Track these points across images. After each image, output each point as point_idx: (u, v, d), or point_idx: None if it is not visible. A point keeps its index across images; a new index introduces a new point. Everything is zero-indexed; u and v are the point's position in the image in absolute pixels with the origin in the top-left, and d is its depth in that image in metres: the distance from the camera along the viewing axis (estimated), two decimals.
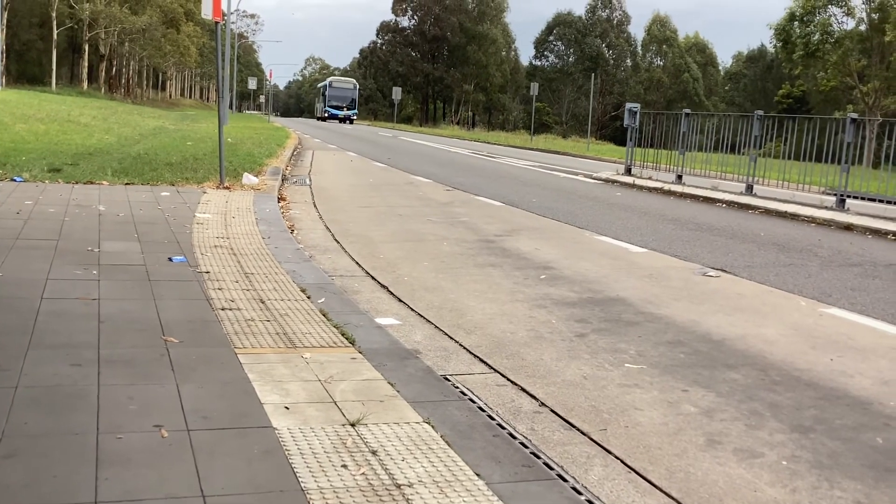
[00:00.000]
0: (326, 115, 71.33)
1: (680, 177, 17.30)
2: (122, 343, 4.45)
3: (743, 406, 4.25)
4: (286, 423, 3.49)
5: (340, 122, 68.11)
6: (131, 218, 8.71)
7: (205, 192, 11.23)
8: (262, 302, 5.54)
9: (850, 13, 39.94)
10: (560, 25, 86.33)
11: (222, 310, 5.25)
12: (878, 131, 19.77)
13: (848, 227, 11.97)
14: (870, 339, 5.79)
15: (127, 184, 11.54)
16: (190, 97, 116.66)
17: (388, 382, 4.10)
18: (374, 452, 3.24)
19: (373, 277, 7.11)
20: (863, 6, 40.09)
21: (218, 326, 4.89)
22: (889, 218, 11.93)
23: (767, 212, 13.56)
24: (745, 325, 5.97)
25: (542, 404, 4.18)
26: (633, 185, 17.37)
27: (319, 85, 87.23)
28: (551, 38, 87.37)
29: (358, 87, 76.08)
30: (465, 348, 5.11)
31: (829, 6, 38.13)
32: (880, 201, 13.30)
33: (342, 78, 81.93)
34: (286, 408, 3.66)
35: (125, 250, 6.99)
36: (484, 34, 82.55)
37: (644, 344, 5.32)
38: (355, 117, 72.29)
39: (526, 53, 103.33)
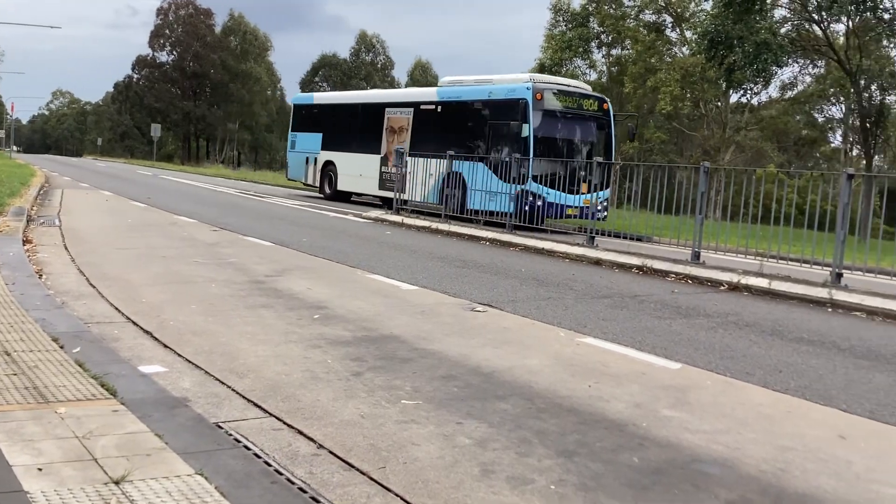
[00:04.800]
0: None
1: (447, 216, 17.90)
2: None
3: (513, 435, 4.42)
4: (40, 485, 3.17)
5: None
6: None
7: None
8: (8, 354, 5.03)
9: (592, 66, 43.65)
10: (325, 67, 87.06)
11: None
12: (620, 174, 21.88)
13: (598, 262, 12.94)
14: (622, 364, 6.26)
15: None
16: None
17: (156, 434, 3.85)
18: None
19: (135, 323, 6.69)
20: (603, 60, 43.97)
21: None
22: (632, 253, 13.04)
23: (527, 248, 14.35)
24: (511, 356, 6.24)
25: (321, 446, 4.12)
26: (402, 224, 17.74)
27: None
28: (317, 78, 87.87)
29: None
30: (237, 393, 4.93)
31: (575, 59, 41.47)
32: (624, 237, 14.50)
33: None
34: (39, 469, 3.33)
35: None
36: (248, 72, 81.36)
37: (419, 379, 5.40)
38: None
39: (292, 93, 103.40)
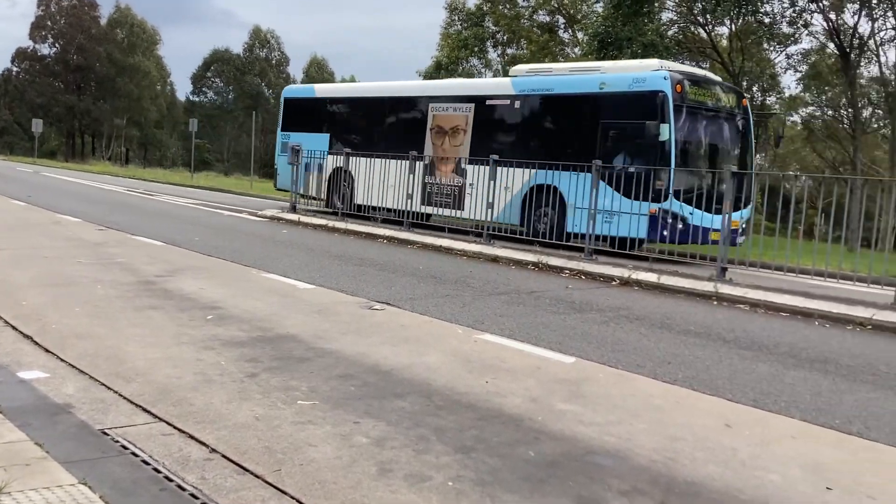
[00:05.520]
0: None
1: (342, 213, 17.81)
2: None
3: (411, 433, 4.41)
4: None
5: None
6: None
7: None
8: None
9: (488, 65, 44.13)
10: (217, 62, 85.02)
11: None
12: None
13: (495, 260, 13.08)
14: (517, 360, 6.33)
15: None
16: None
17: (36, 443, 3.66)
18: None
19: (13, 327, 6.36)
20: (498, 59, 44.50)
21: None
22: (528, 250, 13.25)
23: (425, 246, 14.38)
24: (409, 354, 6.23)
25: (213, 450, 4.00)
26: (298, 223, 17.50)
27: None
28: (209, 74, 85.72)
29: None
30: (125, 398, 4.74)
31: (471, 58, 41.83)
32: (518, 241, 14.69)
33: None
34: None
35: None
36: (136, 66, 78.56)
37: (316, 379, 5.33)
38: None
39: (183, 89, 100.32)
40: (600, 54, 28.99)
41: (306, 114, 21.73)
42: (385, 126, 19.41)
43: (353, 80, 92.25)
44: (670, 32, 31.56)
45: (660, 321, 8.60)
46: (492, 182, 14.68)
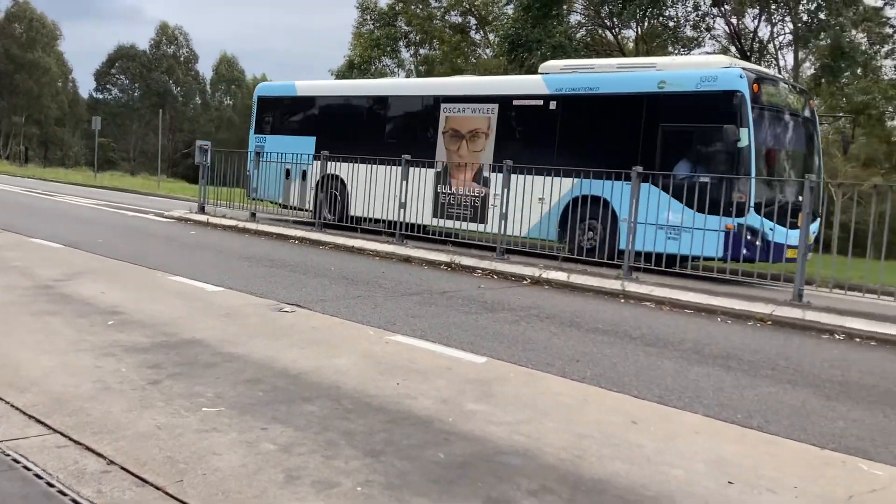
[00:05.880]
0: None
1: (254, 214, 17.49)
2: None
3: (320, 437, 4.34)
4: None
5: None
6: None
7: None
8: None
9: (401, 65, 44.07)
10: (122, 59, 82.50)
11: None
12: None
13: (407, 260, 13.05)
14: (429, 361, 6.32)
15: None
16: None
17: None
18: None
19: None
20: (411, 59, 44.51)
21: None
22: (440, 250, 13.26)
23: (336, 247, 14.24)
24: (320, 357, 6.15)
25: (111, 462, 3.84)
26: (207, 224, 17.10)
27: None
28: (114, 70, 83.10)
29: None
30: (17, 409, 4.52)
31: (383, 57, 41.70)
32: (432, 241, 14.70)
33: None
34: None
35: None
36: (35, 62, 75.54)
37: (222, 385, 5.19)
38: None
39: (86, 86, 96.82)
40: (511, 56, 29.36)
41: (286, 114, 19.58)
42: (387, 129, 17.39)
43: (264, 78, 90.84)
44: (579, 35, 32.14)
45: (569, 319, 8.73)
46: (525, 193, 12.92)
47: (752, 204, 12.04)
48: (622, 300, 10.45)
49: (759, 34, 30.05)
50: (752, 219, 12.01)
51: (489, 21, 39.62)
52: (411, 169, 14.51)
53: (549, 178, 13.00)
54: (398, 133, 17.13)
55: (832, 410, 5.71)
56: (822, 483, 4.21)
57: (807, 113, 13.90)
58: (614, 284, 10.88)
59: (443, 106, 16.13)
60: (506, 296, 10.16)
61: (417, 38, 42.50)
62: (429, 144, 16.09)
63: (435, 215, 15.53)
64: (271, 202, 18.22)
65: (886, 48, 28.40)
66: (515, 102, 15.20)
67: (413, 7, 40.70)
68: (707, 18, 29.99)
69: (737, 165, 12.20)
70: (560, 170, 12.95)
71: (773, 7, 28.49)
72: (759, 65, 32.13)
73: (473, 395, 5.38)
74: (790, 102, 13.62)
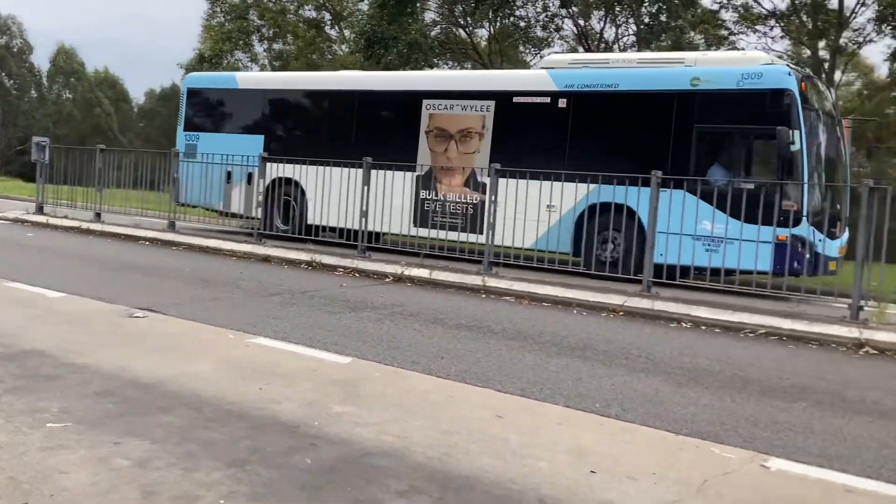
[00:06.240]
0: None
1: (99, 214, 16.57)
2: None
3: (179, 449, 4.13)
4: None
5: None
6: None
7: None
8: None
9: (254, 59, 43.01)
10: None
11: None
12: None
13: (266, 259, 12.75)
14: (293, 363, 6.17)
15: None
16: None
17: None
18: None
19: None
20: (265, 53, 43.52)
21: None
22: (300, 249, 13.02)
23: (191, 247, 13.74)
24: (176, 364, 5.88)
25: None
26: (47, 225, 16.09)
27: None
28: None
29: None
30: None
31: (236, 51, 40.54)
32: (289, 239, 14.43)
33: None
34: None
35: None
36: None
37: (68, 398, 4.87)
38: None
39: None
40: (367, 53, 29.21)
41: (225, 109, 17.38)
42: (354, 127, 15.54)
43: (106, 72, 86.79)
44: (433, 33, 32.40)
45: (433, 316, 8.76)
46: (530, 201, 11.71)
47: (805, 213, 11.09)
48: (483, 295, 10.59)
49: (605, 35, 31.25)
50: (804, 229, 11.03)
51: (344, 17, 39.30)
52: (384, 173, 12.88)
53: (558, 184, 11.78)
54: (368, 132, 15.31)
55: (683, 397, 5.98)
56: (679, 468, 4.38)
57: (839, 115, 13.13)
58: (475, 280, 11.02)
59: (425, 103, 14.53)
60: (368, 294, 10.09)
61: (271, 32, 41.63)
62: (408, 145, 14.48)
63: (416, 224, 13.92)
64: (206, 209, 16.26)
65: (723, 49, 30.16)
66: (516, 99, 13.72)
67: (265, 0, 39.82)
68: (556, 19, 30.91)
69: (787, 171, 11.13)
70: (575, 174, 11.76)
71: (618, 9, 29.70)
72: None
73: (339, 396, 5.29)
74: (828, 103, 12.73)
